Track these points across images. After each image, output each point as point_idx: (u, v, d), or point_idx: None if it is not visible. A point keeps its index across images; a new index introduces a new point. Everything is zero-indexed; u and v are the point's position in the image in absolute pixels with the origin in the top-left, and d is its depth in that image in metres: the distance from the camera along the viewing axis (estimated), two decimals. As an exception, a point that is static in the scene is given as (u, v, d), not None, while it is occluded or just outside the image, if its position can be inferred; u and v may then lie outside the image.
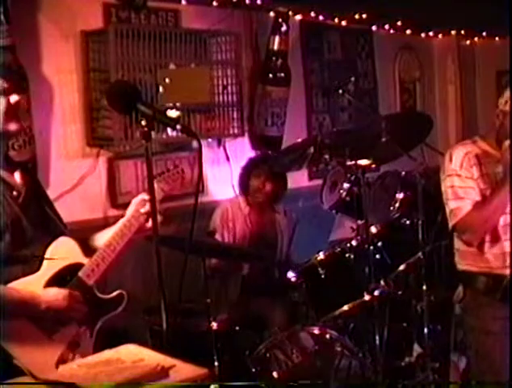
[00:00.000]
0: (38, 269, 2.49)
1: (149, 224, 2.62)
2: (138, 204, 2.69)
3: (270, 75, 5.12)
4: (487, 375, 3.18)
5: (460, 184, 3.15)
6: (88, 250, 2.64)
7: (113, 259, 2.61)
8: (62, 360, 2.41)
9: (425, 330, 3.77)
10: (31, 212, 2.52)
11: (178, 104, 4.33)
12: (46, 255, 2.50)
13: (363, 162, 3.75)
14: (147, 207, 2.61)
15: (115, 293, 2.64)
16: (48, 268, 2.51)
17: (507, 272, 3.11)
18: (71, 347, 2.47)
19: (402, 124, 3.92)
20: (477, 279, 3.21)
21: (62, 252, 2.53)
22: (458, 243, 3.29)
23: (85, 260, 2.58)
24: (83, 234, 2.74)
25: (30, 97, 3.91)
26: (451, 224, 3.21)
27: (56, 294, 2.46)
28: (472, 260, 3.22)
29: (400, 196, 4.02)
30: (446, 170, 3.23)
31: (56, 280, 2.51)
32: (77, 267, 2.56)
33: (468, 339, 3.38)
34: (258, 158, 4.68)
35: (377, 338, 3.57)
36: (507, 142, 3.04)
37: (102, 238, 2.70)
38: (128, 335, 3.67)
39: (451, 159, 3.20)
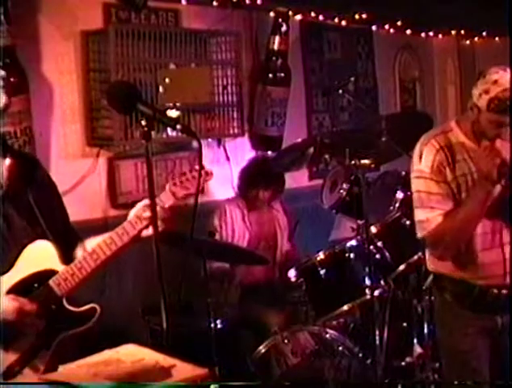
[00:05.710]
0: (7, 271, 2.33)
1: (149, 231, 2.37)
2: (139, 209, 2.42)
3: (270, 75, 5.12)
4: None
5: (430, 189, 2.76)
6: (70, 258, 2.44)
7: (93, 269, 2.37)
8: (8, 373, 2.25)
9: (426, 330, 3.78)
10: (8, 209, 2.33)
11: (178, 104, 4.33)
12: (20, 257, 2.33)
13: (363, 161, 3.76)
14: (148, 213, 2.35)
15: (86, 307, 2.39)
16: (16, 272, 2.33)
17: (482, 282, 2.82)
18: (23, 359, 2.28)
19: (402, 124, 3.93)
20: (446, 283, 2.92)
21: (37, 256, 2.35)
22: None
23: (61, 268, 2.38)
24: (83, 234, 2.70)
25: (30, 97, 3.91)
26: (418, 235, 2.85)
27: (6, 305, 2.25)
28: (441, 265, 2.91)
29: (400, 195, 4.02)
30: (413, 169, 2.85)
31: (23, 286, 2.33)
32: (50, 274, 2.36)
33: (442, 354, 3.16)
34: (254, 172, 4.52)
35: (377, 338, 3.58)
36: (485, 143, 2.76)
37: (90, 245, 2.48)
38: (128, 335, 3.66)
39: (420, 156, 2.81)
